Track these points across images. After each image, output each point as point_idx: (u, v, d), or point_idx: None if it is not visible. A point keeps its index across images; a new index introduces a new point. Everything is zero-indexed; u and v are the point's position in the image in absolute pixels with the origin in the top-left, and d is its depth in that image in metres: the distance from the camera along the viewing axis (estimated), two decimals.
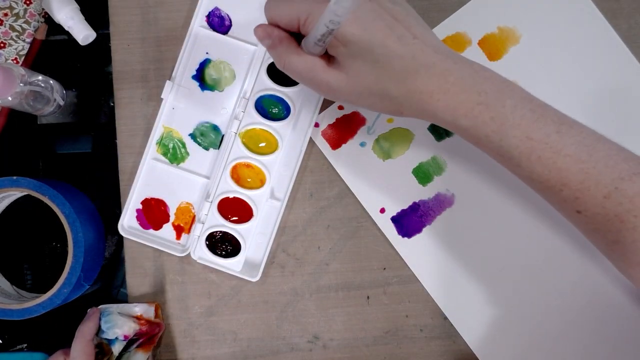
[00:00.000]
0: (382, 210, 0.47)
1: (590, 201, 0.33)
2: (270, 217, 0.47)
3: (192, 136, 0.48)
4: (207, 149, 0.48)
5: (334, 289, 0.48)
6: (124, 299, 0.49)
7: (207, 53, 0.48)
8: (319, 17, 0.31)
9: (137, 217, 0.48)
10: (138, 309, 0.46)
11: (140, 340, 0.44)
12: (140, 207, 0.48)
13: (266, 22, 0.37)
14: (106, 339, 0.44)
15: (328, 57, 0.36)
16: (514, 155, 0.34)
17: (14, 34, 0.50)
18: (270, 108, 0.47)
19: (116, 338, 0.43)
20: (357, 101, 0.36)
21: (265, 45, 0.37)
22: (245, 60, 0.48)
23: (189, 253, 0.47)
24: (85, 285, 0.47)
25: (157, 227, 0.48)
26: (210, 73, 0.48)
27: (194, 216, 0.47)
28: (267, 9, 0.37)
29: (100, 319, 0.44)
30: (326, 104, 0.48)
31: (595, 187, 0.33)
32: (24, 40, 0.50)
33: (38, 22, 0.51)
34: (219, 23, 0.48)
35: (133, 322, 0.44)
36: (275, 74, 0.47)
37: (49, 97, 0.47)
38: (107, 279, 0.51)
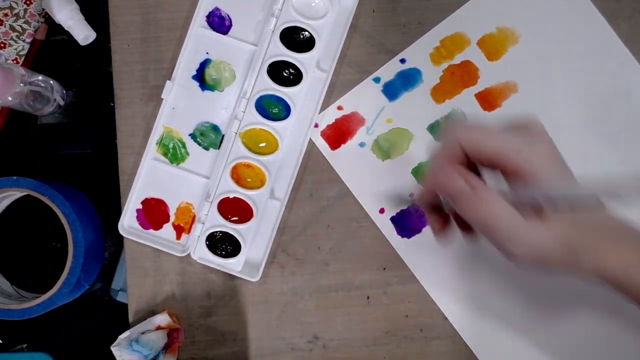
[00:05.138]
0: (382, 211, 0.47)
1: None
2: (270, 217, 0.47)
3: (192, 136, 0.48)
4: (207, 149, 0.48)
5: (334, 289, 0.48)
6: (124, 300, 0.49)
7: (207, 53, 0.48)
8: (535, 159, 0.29)
9: (137, 217, 0.48)
10: (155, 321, 0.46)
11: (166, 344, 0.45)
12: (140, 207, 0.48)
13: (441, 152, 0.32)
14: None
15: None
16: None
17: (14, 34, 0.50)
18: (270, 108, 0.47)
19: (157, 356, 0.44)
20: (562, 261, 0.31)
21: (449, 187, 0.31)
22: (245, 60, 0.48)
23: (189, 253, 0.47)
24: (85, 285, 0.47)
25: (157, 227, 0.48)
26: (210, 73, 0.48)
27: (194, 216, 0.47)
28: (464, 132, 0.31)
29: (132, 348, 0.44)
30: (326, 104, 0.48)
31: None
32: (24, 41, 0.50)
33: (38, 22, 0.51)
34: (219, 23, 0.48)
35: (162, 332, 0.44)
36: (275, 74, 0.47)
37: (49, 97, 0.47)
38: (107, 279, 0.51)
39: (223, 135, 0.48)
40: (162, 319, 0.46)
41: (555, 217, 0.30)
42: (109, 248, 0.51)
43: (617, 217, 0.31)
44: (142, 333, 0.45)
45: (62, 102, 0.49)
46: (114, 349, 0.44)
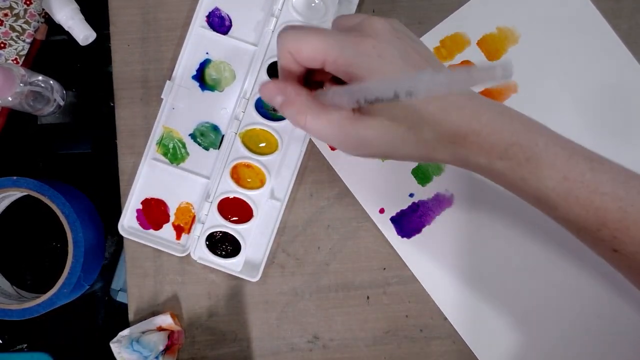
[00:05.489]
0: (382, 211, 0.47)
1: (628, 240, 0.32)
2: (270, 217, 0.47)
3: (192, 136, 0.48)
4: (207, 149, 0.48)
5: (334, 289, 0.48)
6: (124, 300, 0.49)
7: (207, 53, 0.48)
8: (359, 57, 0.28)
9: (137, 217, 0.48)
10: (157, 321, 0.46)
11: (166, 346, 0.45)
12: (140, 207, 0.48)
13: (270, 80, 0.32)
14: None
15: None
16: (551, 198, 0.32)
17: (14, 34, 0.50)
18: (270, 108, 0.47)
19: (157, 357, 0.44)
20: (391, 152, 0.32)
21: (277, 103, 0.32)
22: (245, 60, 0.48)
23: (189, 253, 0.47)
24: (85, 285, 0.47)
25: (157, 227, 0.48)
26: (210, 73, 0.48)
27: (194, 216, 0.47)
28: (284, 37, 0.31)
29: (132, 348, 0.44)
30: None
31: (634, 225, 0.31)
32: (24, 41, 0.50)
33: (38, 22, 0.51)
34: (219, 23, 0.48)
35: (163, 334, 0.44)
36: (275, 74, 0.47)
37: (49, 97, 0.47)
38: (107, 279, 0.51)
39: (223, 136, 0.48)
40: (164, 319, 0.46)
41: (385, 114, 0.31)
42: (109, 248, 0.51)
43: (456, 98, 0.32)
44: (143, 332, 0.45)
45: (62, 102, 0.49)
46: (113, 345, 0.44)
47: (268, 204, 0.47)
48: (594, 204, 0.31)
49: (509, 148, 0.31)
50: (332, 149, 0.48)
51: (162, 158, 0.48)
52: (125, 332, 0.46)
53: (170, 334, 0.45)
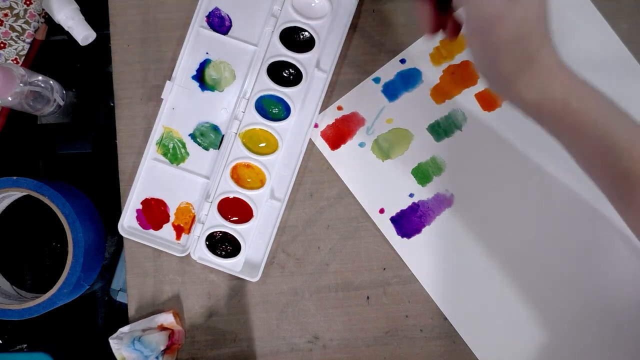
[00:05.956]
0: (382, 211, 0.47)
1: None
2: (270, 217, 0.47)
3: (192, 136, 0.48)
4: (207, 149, 0.48)
5: (334, 289, 0.48)
6: (124, 300, 0.49)
7: (207, 53, 0.48)
8: None
9: (137, 217, 0.48)
10: (159, 319, 0.46)
11: (167, 346, 0.45)
12: (140, 207, 0.48)
13: None
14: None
15: None
16: (617, 146, 0.32)
17: (14, 34, 0.50)
18: (270, 108, 0.47)
19: (157, 357, 0.44)
20: (512, 42, 0.32)
21: None
22: (245, 60, 0.48)
23: (189, 253, 0.47)
24: (85, 285, 0.47)
25: (157, 227, 0.48)
26: (210, 73, 0.48)
27: (194, 216, 0.47)
28: None
29: (133, 347, 0.44)
30: (326, 104, 0.48)
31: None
32: (24, 41, 0.50)
33: (38, 22, 0.51)
34: (219, 23, 0.48)
35: (164, 334, 0.44)
36: (275, 74, 0.47)
37: (49, 97, 0.47)
38: (107, 279, 0.51)
39: (223, 136, 0.48)
40: (166, 317, 0.46)
41: None
42: (109, 248, 0.51)
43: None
44: (144, 330, 0.45)
45: (62, 102, 0.49)
46: (112, 341, 0.44)
47: (268, 204, 0.47)
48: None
49: (586, 89, 0.33)
50: (332, 149, 0.48)
51: (162, 158, 0.48)
52: (125, 329, 0.45)
53: (171, 334, 0.45)
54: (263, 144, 0.48)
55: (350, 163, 0.48)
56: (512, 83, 0.33)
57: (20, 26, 0.50)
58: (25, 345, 0.50)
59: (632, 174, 0.33)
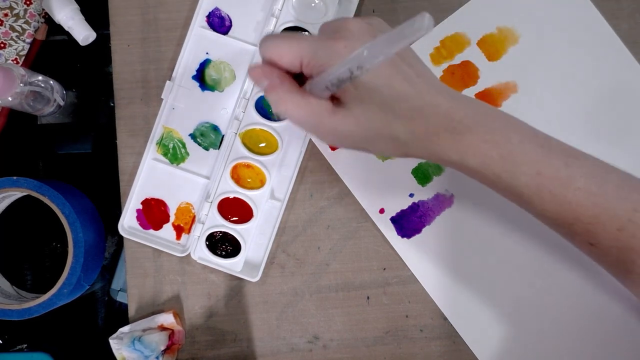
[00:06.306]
0: (382, 211, 0.47)
1: (603, 234, 0.32)
2: (270, 217, 0.47)
3: (192, 136, 0.48)
4: (207, 149, 0.48)
5: (334, 289, 0.48)
6: (124, 300, 0.49)
7: (207, 53, 0.48)
8: (333, 58, 0.29)
9: (137, 217, 0.48)
10: (159, 319, 0.46)
11: (167, 346, 0.45)
12: (140, 207, 0.48)
13: (260, 63, 0.34)
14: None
15: (331, 100, 0.33)
16: (525, 193, 0.33)
17: (14, 35, 0.50)
18: (270, 108, 0.47)
19: (157, 357, 0.44)
20: (365, 146, 0.33)
21: (262, 87, 0.33)
22: (245, 60, 0.48)
23: (189, 253, 0.47)
24: (85, 285, 0.47)
25: (157, 227, 0.48)
26: (210, 73, 0.48)
27: (194, 216, 0.47)
28: (263, 47, 0.33)
29: (133, 347, 0.44)
30: None
31: (609, 220, 0.32)
32: (24, 41, 0.50)
33: (38, 22, 0.51)
34: (219, 23, 0.48)
35: (164, 334, 0.44)
36: None
37: (49, 97, 0.47)
38: (107, 279, 0.51)
39: (223, 136, 0.48)
40: (166, 318, 0.46)
41: (356, 102, 0.31)
42: (109, 248, 0.51)
43: (429, 88, 0.32)
44: (144, 330, 0.45)
45: (62, 102, 0.49)
46: (112, 341, 0.44)
47: (268, 204, 0.47)
48: (566, 198, 0.32)
49: (482, 145, 0.32)
50: (333, 149, 0.48)
51: (162, 158, 0.48)
52: (125, 329, 0.45)
53: (171, 334, 0.45)
54: (263, 144, 0.48)
55: (350, 163, 0.48)
56: (402, 155, 0.34)
57: (20, 26, 0.50)
58: (25, 345, 0.50)
59: (547, 215, 0.34)
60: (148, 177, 0.48)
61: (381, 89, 0.31)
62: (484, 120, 0.32)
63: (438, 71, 0.48)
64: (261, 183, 0.47)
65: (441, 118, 0.32)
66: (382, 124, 0.32)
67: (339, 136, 0.32)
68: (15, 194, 0.49)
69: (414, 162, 0.48)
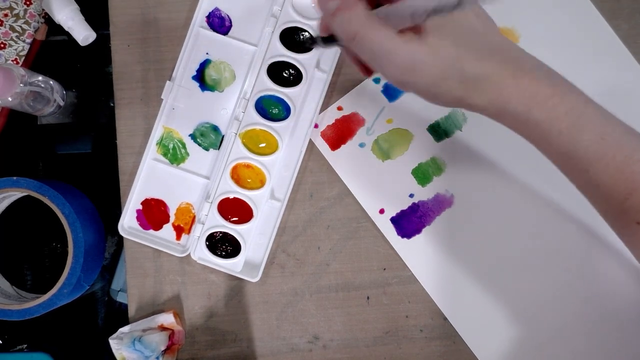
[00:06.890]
0: (382, 211, 0.47)
1: None
2: (270, 217, 0.47)
3: (192, 136, 0.48)
4: (207, 149, 0.48)
5: (334, 289, 0.48)
6: (124, 300, 0.49)
7: (207, 53, 0.48)
8: None
9: (137, 217, 0.48)
10: (159, 319, 0.46)
11: (167, 346, 0.45)
12: (140, 207, 0.48)
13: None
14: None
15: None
16: (583, 158, 0.31)
17: (14, 35, 0.50)
18: (270, 108, 0.47)
19: (157, 358, 0.44)
20: (431, 83, 0.31)
21: (328, 9, 0.30)
22: (245, 60, 0.48)
23: (189, 253, 0.47)
24: (85, 285, 0.47)
25: (157, 227, 0.48)
26: (210, 73, 0.48)
27: (194, 217, 0.47)
28: None
29: (133, 347, 0.44)
30: (326, 104, 0.48)
31: None
32: (24, 41, 0.50)
33: (38, 22, 0.51)
34: (219, 23, 0.48)
35: (164, 334, 0.44)
36: (275, 74, 0.47)
37: (49, 97, 0.47)
38: (107, 279, 0.51)
39: (223, 136, 0.48)
40: (166, 318, 0.46)
41: (435, 32, 0.29)
42: (109, 248, 0.51)
43: (500, 36, 0.31)
44: (144, 330, 0.45)
45: (62, 103, 0.49)
46: (112, 342, 0.44)
47: (268, 204, 0.47)
48: (628, 168, 0.30)
49: (550, 99, 0.30)
50: (333, 149, 0.48)
51: (162, 158, 0.48)
52: (125, 329, 0.45)
53: (171, 334, 0.45)
54: (263, 144, 0.48)
55: (350, 163, 0.48)
56: (462, 102, 0.32)
57: (20, 26, 0.50)
58: (25, 345, 0.50)
59: (601, 185, 0.32)
60: (148, 177, 0.48)
61: (460, 22, 0.30)
62: (550, 75, 0.31)
63: None
64: (261, 183, 0.47)
65: (511, 64, 0.30)
66: (457, 56, 0.30)
67: (411, 68, 0.30)
68: (15, 194, 0.49)
69: (414, 163, 0.48)
